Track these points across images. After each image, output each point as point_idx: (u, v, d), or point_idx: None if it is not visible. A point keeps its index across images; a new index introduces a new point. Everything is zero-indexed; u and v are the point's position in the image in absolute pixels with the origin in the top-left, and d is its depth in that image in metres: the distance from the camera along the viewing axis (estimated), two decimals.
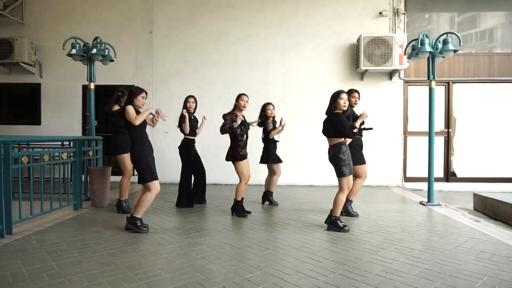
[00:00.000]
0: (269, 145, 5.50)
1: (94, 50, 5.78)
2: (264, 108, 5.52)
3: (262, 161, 5.56)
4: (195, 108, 5.47)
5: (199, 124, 5.55)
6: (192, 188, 5.52)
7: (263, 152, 5.56)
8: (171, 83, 7.98)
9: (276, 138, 5.48)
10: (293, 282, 2.71)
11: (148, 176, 3.92)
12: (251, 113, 5.65)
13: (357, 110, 4.84)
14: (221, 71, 7.99)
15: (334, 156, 4.07)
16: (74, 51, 5.75)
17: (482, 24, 8.28)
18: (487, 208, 5.25)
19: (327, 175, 7.60)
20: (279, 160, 5.55)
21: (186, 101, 5.43)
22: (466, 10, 8.23)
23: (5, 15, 7.91)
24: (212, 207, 5.43)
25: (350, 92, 4.83)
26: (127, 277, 2.77)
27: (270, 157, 5.48)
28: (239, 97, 4.88)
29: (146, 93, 4.18)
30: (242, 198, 4.88)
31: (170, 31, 8.07)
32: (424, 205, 5.70)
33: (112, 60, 6.25)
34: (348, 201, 4.80)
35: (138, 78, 8.06)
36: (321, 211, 5.19)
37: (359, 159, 4.76)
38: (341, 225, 4.14)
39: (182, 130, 5.38)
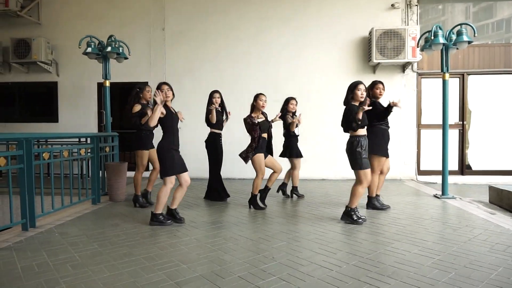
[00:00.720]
0: (290, 139, 5.60)
1: (109, 48, 5.90)
2: (287, 102, 5.61)
3: (282, 155, 5.66)
4: (220, 103, 5.48)
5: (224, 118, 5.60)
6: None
7: (283, 146, 5.67)
8: (183, 79, 8.07)
9: (296, 132, 5.57)
10: (307, 273, 2.77)
11: (166, 170, 4.02)
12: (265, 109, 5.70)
13: (383, 101, 4.86)
14: (233, 66, 8.04)
15: (351, 148, 4.11)
16: (89, 49, 5.88)
17: (498, 14, 8.10)
18: (503, 201, 5.20)
19: (340, 168, 7.63)
20: (299, 155, 5.61)
21: (211, 96, 5.45)
22: (481, 0, 8.07)
23: (22, 16, 8.12)
24: (220, 202, 5.52)
25: (374, 84, 4.84)
26: (146, 268, 2.87)
27: (292, 151, 5.57)
28: (257, 97, 4.94)
29: (161, 86, 4.28)
30: (267, 188, 5.03)
31: (182, 27, 8.15)
32: (438, 198, 5.67)
33: (126, 58, 6.37)
34: (373, 196, 4.87)
35: (151, 74, 8.18)
36: (334, 204, 5.23)
37: (385, 151, 4.73)
38: (355, 218, 4.16)
39: (208, 124, 5.46)
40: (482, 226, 4.03)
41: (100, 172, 5.56)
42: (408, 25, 7.65)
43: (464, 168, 7.88)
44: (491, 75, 7.81)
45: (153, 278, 2.68)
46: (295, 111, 5.66)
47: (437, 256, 3.10)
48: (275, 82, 7.84)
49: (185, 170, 4.10)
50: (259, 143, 4.87)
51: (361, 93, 4.06)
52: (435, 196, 5.80)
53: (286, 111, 5.58)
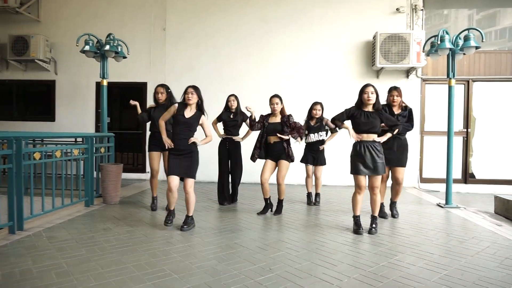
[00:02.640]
0: (306, 145, 5.61)
1: (107, 47, 5.76)
2: (311, 107, 5.49)
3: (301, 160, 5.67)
4: (236, 107, 5.41)
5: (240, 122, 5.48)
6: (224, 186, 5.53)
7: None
8: (183, 79, 7.89)
9: (305, 140, 5.49)
10: (306, 286, 2.60)
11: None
12: (263, 111, 5.55)
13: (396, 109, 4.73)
14: (234, 67, 7.90)
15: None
16: (87, 47, 5.75)
17: (502, 21, 7.98)
18: (509, 212, 5.04)
19: (340, 174, 7.47)
20: (308, 162, 5.54)
21: (227, 100, 5.44)
22: (486, 7, 7.94)
23: (21, 13, 7.99)
24: (224, 206, 5.35)
25: (389, 91, 4.75)
26: (135, 277, 2.71)
27: (303, 157, 5.60)
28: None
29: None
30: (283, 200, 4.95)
31: (183, 27, 8.02)
32: (442, 207, 5.50)
33: (125, 57, 6.23)
34: (383, 204, 4.76)
35: (151, 75, 8.04)
36: (334, 211, 5.06)
37: (397, 160, 4.59)
38: (355, 226, 4.01)
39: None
40: (490, 238, 3.86)
41: (95, 173, 5.41)
42: (413, 29, 7.52)
43: (467, 177, 7.71)
44: (497, 82, 7.66)
45: None
46: (319, 117, 5.46)
47: (444, 270, 2.93)
48: (276, 84, 7.69)
49: (172, 173, 3.95)
50: (261, 144, 4.76)
51: (367, 96, 3.89)
52: (439, 205, 5.63)
53: (310, 117, 5.49)
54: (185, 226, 3.97)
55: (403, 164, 4.63)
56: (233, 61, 7.91)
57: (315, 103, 5.48)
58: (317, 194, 5.68)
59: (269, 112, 4.87)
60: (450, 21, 7.96)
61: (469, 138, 7.70)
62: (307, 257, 3.21)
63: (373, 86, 3.92)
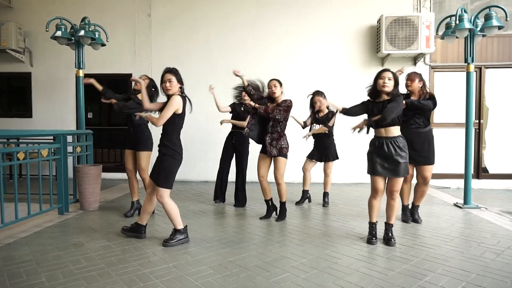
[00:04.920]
0: (314, 141, 5.16)
1: (82, 32, 5.08)
2: (312, 99, 4.92)
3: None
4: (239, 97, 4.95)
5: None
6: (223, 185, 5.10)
7: None
8: None
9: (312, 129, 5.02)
10: None
11: None
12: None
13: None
14: (226, 56, 7.23)
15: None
16: (59, 33, 5.07)
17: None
18: None
19: (343, 171, 6.90)
20: (313, 158, 5.07)
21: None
22: None
23: None
24: (215, 210, 4.75)
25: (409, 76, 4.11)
26: None
27: (310, 153, 5.12)
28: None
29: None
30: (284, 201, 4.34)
31: (170, 13, 7.33)
32: (460, 207, 4.95)
33: (103, 44, 5.55)
34: (408, 207, 4.24)
35: (136, 66, 7.37)
36: (342, 216, 4.49)
37: (423, 158, 4.05)
38: (369, 234, 3.44)
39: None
40: None
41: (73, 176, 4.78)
42: (420, 12, 6.90)
43: (480, 172, 7.16)
44: (511, 69, 7.08)
45: None
46: (323, 107, 4.90)
47: None
48: (273, 74, 7.01)
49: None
50: (251, 125, 4.17)
51: (383, 82, 3.28)
52: (456, 205, 5.08)
53: (314, 109, 4.92)
54: (169, 242, 3.33)
55: (431, 161, 4.05)
56: (226, 51, 7.24)
57: (317, 93, 4.87)
58: (325, 194, 5.11)
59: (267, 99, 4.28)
60: (460, 2, 7.31)
61: (482, 129, 7.14)
62: (317, 280, 2.62)
63: (392, 72, 3.31)
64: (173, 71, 3.30)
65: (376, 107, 3.37)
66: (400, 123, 3.36)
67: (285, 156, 4.13)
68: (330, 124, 4.87)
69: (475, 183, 6.95)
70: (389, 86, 3.28)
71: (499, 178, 7.02)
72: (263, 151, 4.19)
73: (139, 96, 4.06)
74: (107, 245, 3.36)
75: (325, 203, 5.04)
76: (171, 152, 3.27)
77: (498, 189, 6.78)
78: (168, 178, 3.27)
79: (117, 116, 8.92)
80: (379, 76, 3.32)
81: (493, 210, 4.83)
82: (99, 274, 2.69)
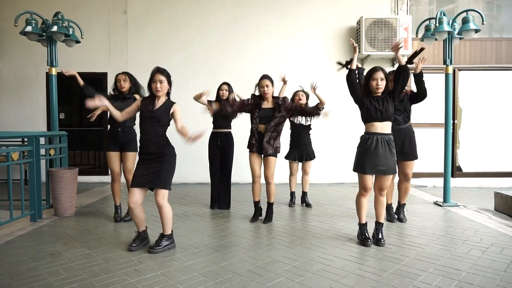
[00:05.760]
0: (290, 140, 5.11)
1: (55, 28, 4.80)
2: (294, 95, 4.94)
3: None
4: (228, 97, 4.69)
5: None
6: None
7: None
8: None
9: (296, 121, 4.96)
10: None
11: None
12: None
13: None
14: (207, 55, 7.10)
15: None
16: (29, 28, 4.77)
17: (489, 8, 7.73)
18: None
19: (325, 171, 6.94)
20: (294, 159, 5.01)
21: (219, 89, 4.78)
22: None
23: None
24: (199, 213, 4.61)
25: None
26: None
27: (288, 154, 5.06)
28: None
29: (123, 73, 4.19)
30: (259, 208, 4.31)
31: (148, 10, 7.11)
32: (440, 205, 5.07)
33: (78, 41, 5.27)
34: (392, 206, 4.26)
35: (112, 64, 7.08)
36: (329, 216, 4.47)
37: (407, 153, 4.12)
38: (362, 236, 3.42)
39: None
40: (511, 245, 3.40)
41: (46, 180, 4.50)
42: (398, 14, 7.05)
43: (454, 170, 7.39)
44: (483, 71, 7.36)
45: None
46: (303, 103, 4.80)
47: None
48: (254, 74, 6.95)
49: (134, 184, 3.14)
50: (254, 129, 4.08)
51: (376, 84, 3.26)
52: (436, 203, 5.20)
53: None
54: (155, 248, 3.18)
55: (412, 157, 4.11)
56: (207, 50, 7.10)
57: (297, 91, 4.92)
58: (304, 194, 5.09)
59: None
60: (433, 4, 7.56)
61: (456, 129, 7.38)
62: (313, 284, 2.56)
63: (383, 71, 3.31)
64: (164, 73, 3.21)
65: (374, 101, 3.29)
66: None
67: (276, 155, 4.10)
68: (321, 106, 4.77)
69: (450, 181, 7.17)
70: (382, 87, 3.28)
71: (472, 177, 7.28)
72: (255, 151, 4.07)
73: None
74: (87, 253, 3.16)
75: (307, 204, 5.01)
76: (173, 150, 3.24)
77: (471, 187, 7.02)
78: (172, 177, 3.23)
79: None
80: (371, 76, 3.30)
81: (471, 208, 4.97)
82: (81, 286, 2.51)
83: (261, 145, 4.03)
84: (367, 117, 3.33)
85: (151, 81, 3.18)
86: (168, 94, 3.26)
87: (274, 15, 7.12)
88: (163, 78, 3.16)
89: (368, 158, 3.28)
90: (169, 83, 3.22)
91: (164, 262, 2.97)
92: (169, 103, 3.22)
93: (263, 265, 2.90)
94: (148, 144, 3.15)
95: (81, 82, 4.22)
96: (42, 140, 4.59)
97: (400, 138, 4.04)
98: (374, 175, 3.38)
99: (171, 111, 3.20)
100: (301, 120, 4.85)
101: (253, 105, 4.08)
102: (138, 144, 3.33)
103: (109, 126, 4.20)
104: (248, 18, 7.11)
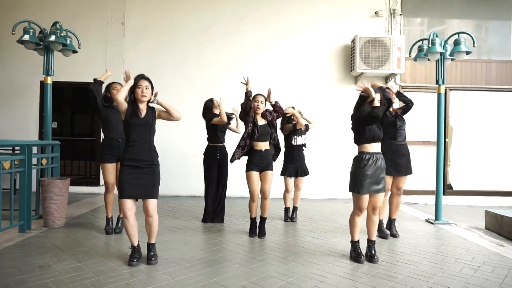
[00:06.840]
0: (285, 156, 5.17)
1: (53, 37, 4.80)
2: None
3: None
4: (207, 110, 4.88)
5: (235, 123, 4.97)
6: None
7: None
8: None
9: (295, 142, 5.06)
10: None
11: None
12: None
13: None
14: (204, 68, 7.16)
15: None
16: (27, 37, 4.76)
17: (478, 30, 7.99)
18: (503, 228, 4.71)
19: (319, 186, 6.95)
20: (290, 175, 5.06)
21: (254, 100, 4.55)
22: (463, 17, 7.86)
23: None
24: (192, 227, 4.56)
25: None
26: None
27: (284, 170, 5.10)
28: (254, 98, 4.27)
29: (117, 83, 4.29)
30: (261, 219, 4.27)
31: (146, 22, 7.18)
32: (432, 223, 5.10)
33: (75, 51, 5.28)
34: (382, 222, 4.26)
35: None
36: (322, 232, 4.46)
37: (403, 168, 4.24)
38: (355, 253, 3.42)
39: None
40: (502, 264, 3.42)
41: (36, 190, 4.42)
42: (391, 34, 7.22)
43: (445, 188, 7.47)
44: (473, 91, 7.54)
45: None
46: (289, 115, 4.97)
47: None
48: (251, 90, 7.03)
49: (127, 195, 3.10)
50: (245, 145, 4.05)
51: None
52: (428, 221, 5.23)
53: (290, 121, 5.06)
54: (153, 259, 3.18)
55: (410, 170, 4.27)
56: (203, 63, 7.17)
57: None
58: (294, 208, 5.10)
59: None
60: (425, 26, 7.79)
61: (447, 148, 7.49)
62: None
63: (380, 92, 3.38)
64: (149, 79, 3.26)
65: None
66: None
67: (273, 169, 4.21)
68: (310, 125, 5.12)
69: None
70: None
71: (463, 195, 7.36)
72: (253, 169, 4.07)
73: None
74: (77, 266, 3.10)
75: (294, 218, 5.03)
76: (158, 161, 3.27)
77: (461, 205, 7.10)
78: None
79: (80, 127, 8.56)
80: (365, 100, 3.32)
81: (462, 226, 5.01)
82: None
83: (254, 162, 4.07)
84: (361, 139, 3.36)
85: (136, 86, 3.18)
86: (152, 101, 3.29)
87: (270, 31, 7.24)
88: (148, 84, 3.21)
89: (365, 178, 3.30)
90: (152, 89, 3.27)
91: (156, 276, 2.93)
92: (150, 108, 3.28)
93: (256, 280, 2.88)
94: (139, 152, 3.14)
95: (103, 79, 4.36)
96: (34, 149, 4.54)
97: (403, 153, 4.24)
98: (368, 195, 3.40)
99: (156, 114, 3.28)
100: (298, 140, 4.91)
101: (250, 122, 4.10)
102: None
103: (103, 136, 4.18)
104: (244, 33, 7.21)
